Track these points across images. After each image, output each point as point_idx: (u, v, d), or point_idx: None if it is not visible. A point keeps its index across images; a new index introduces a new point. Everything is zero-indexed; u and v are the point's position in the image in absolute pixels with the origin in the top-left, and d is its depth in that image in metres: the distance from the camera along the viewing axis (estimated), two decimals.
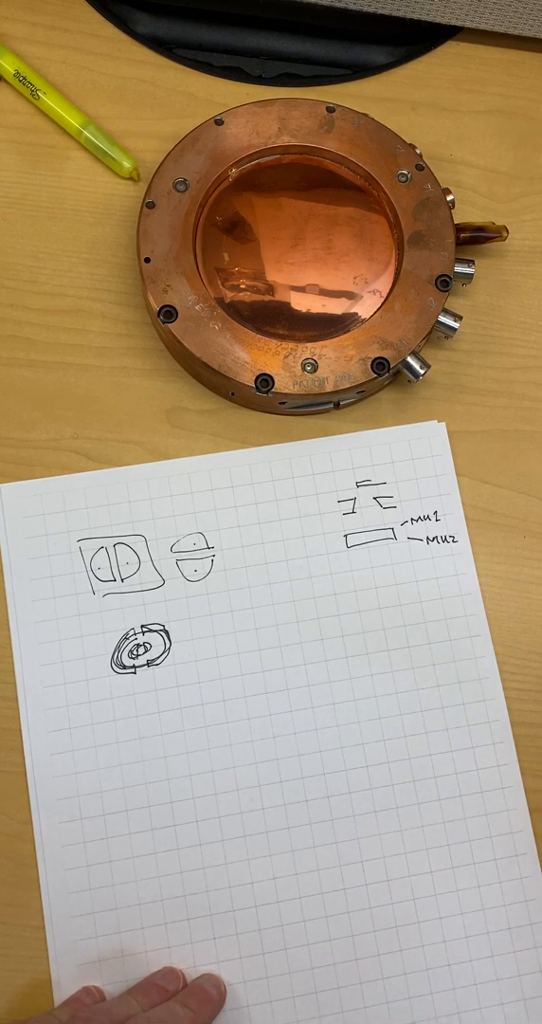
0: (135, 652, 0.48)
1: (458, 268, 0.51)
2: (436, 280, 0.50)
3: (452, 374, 0.53)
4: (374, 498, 0.50)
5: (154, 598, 0.48)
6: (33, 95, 0.54)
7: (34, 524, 0.49)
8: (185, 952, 0.45)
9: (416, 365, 0.49)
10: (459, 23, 0.55)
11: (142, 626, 0.48)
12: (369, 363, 0.49)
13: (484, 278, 0.54)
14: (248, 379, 0.48)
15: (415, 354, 0.49)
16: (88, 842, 0.45)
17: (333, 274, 0.51)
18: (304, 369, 0.48)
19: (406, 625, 0.49)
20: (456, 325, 0.50)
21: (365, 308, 0.50)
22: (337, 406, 0.51)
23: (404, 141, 0.52)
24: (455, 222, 0.52)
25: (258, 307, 0.50)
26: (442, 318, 0.50)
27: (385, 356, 0.49)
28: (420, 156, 0.52)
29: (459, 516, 0.50)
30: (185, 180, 0.51)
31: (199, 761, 0.47)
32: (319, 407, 0.51)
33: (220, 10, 0.57)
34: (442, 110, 0.57)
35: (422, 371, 0.49)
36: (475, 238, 0.52)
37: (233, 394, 0.51)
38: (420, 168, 0.52)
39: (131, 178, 0.54)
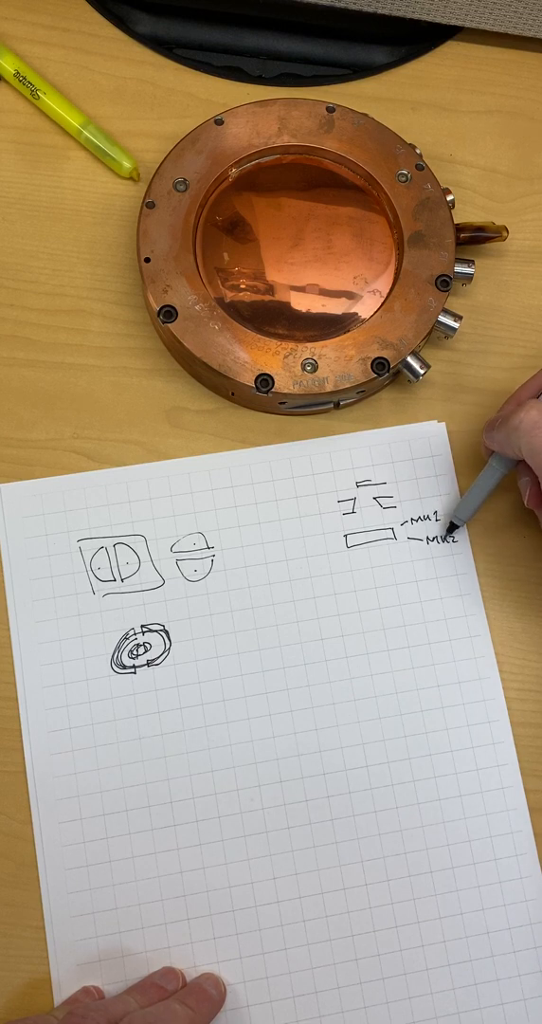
0: (135, 652, 0.48)
1: (458, 268, 0.51)
2: (436, 280, 0.50)
3: (452, 374, 0.53)
4: (374, 498, 0.50)
5: (154, 598, 0.48)
6: (33, 95, 0.54)
7: (34, 524, 0.49)
8: (185, 952, 0.45)
9: (416, 365, 0.49)
10: (459, 23, 0.55)
11: (142, 626, 0.48)
12: (369, 363, 0.49)
13: (484, 278, 0.54)
14: (248, 379, 0.48)
15: (415, 354, 0.49)
16: (88, 842, 0.45)
17: (333, 274, 0.51)
18: (304, 369, 0.48)
19: (406, 625, 0.49)
20: (456, 325, 0.50)
21: (365, 308, 0.50)
22: (337, 406, 0.51)
23: (404, 141, 0.52)
24: (455, 222, 0.52)
25: (258, 307, 0.50)
26: (442, 318, 0.50)
27: (385, 356, 0.49)
28: (420, 156, 0.52)
29: None
30: (185, 180, 0.51)
31: (199, 761, 0.47)
32: (319, 407, 0.51)
33: (220, 10, 0.57)
34: (442, 110, 0.57)
35: (422, 371, 0.49)
36: (475, 238, 0.52)
37: (233, 394, 0.51)
38: (420, 168, 0.52)
39: (131, 178, 0.54)
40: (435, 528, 0.50)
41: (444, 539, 0.50)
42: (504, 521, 0.51)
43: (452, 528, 0.49)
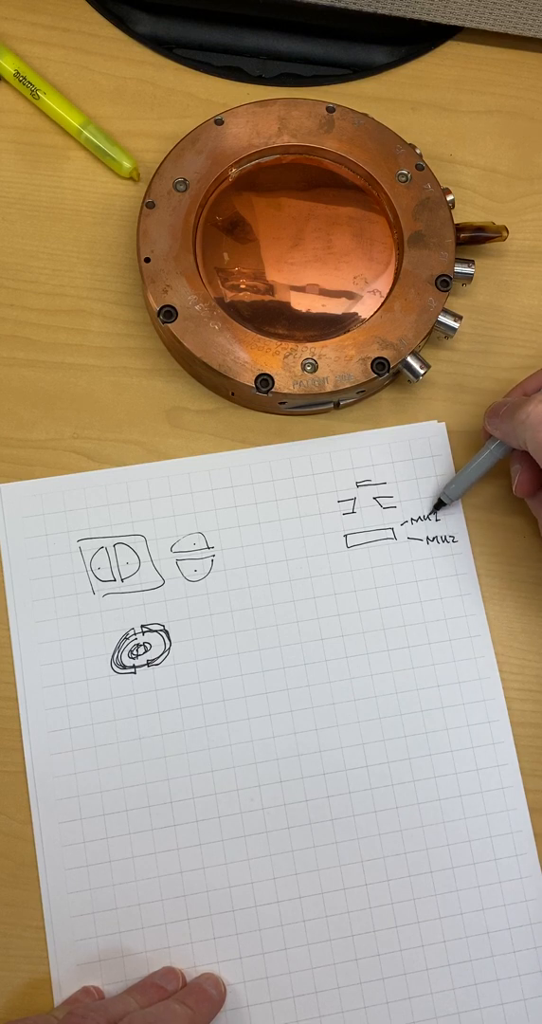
0: (135, 652, 0.48)
1: (458, 268, 0.51)
2: (436, 280, 0.50)
3: (452, 374, 0.53)
4: (374, 498, 0.50)
5: (154, 598, 0.48)
6: (33, 95, 0.54)
7: (34, 524, 0.49)
8: (185, 952, 0.45)
9: (416, 365, 0.49)
10: (459, 23, 0.55)
11: (142, 626, 0.48)
12: (369, 363, 0.49)
13: (484, 278, 0.54)
14: (248, 379, 0.48)
15: (415, 354, 0.49)
16: (88, 842, 0.45)
17: (333, 274, 0.51)
18: (304, 369, 0.48)
19: (406, 625, 0.49)
20: (456, 325, 0.50)
21: (365, 308, 0.50)
22: (337, 406, 0.51)
23: (404, 141, 0.52)
24: (455, 222, 0.52)
25: (258, 307, 0.50)
26: (442, 318, 0.50)
27: (385, 356, 0.49)
28: (420, 156, 0.52)
29: (459, 516, 0.50)
30: (185, 180, 0.51)
31: (199, 761, 0.47)
32: (319, 407, 0.51)
33: (220, 10, 0.57)
34: (442, 110, 0.57)
35: (422, 371, 0.49)
36: (475, 238, 0.52)
37: (233, 394, 0.51)
38: (420, 168, 0.52)
39: (131, 178, 0.54)
40: (435, 528, 0.50)
41: (428, 517, 0.50)
42: (504, 521, 0.51)
43: (439, 506, 0.49)
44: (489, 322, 0.54)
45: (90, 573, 0.48)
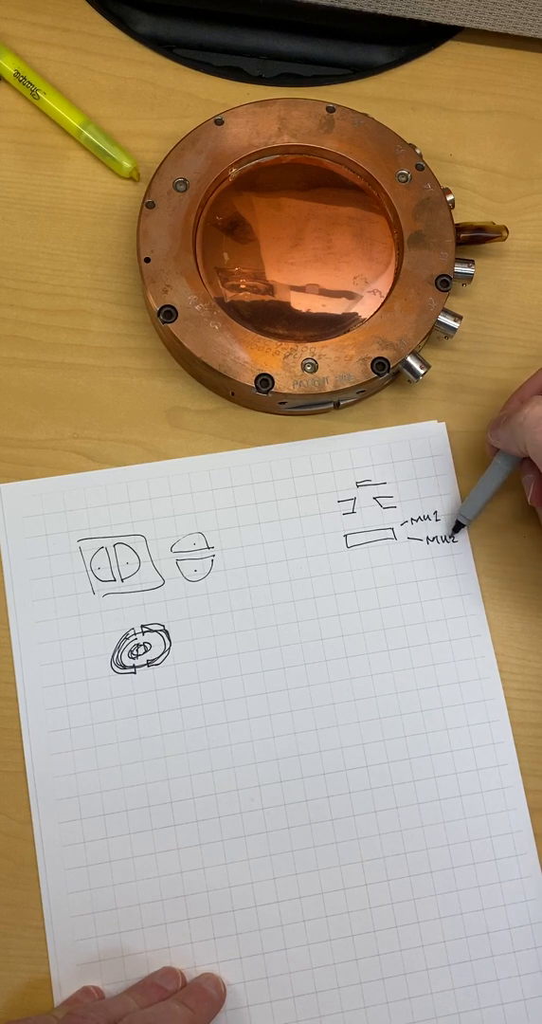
0: (135, 652, 0.48)
1: (458, 268, 0.51)
2: (436, 280, 0.50)
3: (452, 374, 0.53)
4: (374, 498, 0.50)
5: (154, 598, 0.48)
6: (33, 95, 0.54)
7: (34, 524, 0.49)
8: (185, 952, 0.45)
9: (416, 365, 0.49)
10: (459, 23, 0.55)
11: (142, 626, 0.48)
12: (369, 363, 0.49)
13: (484, 278, 0.54)
14: (248, 379, 0.48)
15: (415, 354, 0.49)
16: (88, 842, 0.45)
17: (333, 274, 0.51)
18: (304, 369, 0.48)
19: (406, 625, 0.49)
20: (456, 325, 0.50)
21: (365, 308, 0.50)
22: (337, 406, 0.51)
23: (404, 141, 0.52)
24: (455, 222, 0.52)
25: (258, 307, 0.50)
26: (442, 318, 0.50)
27: (385, 356, 0.49)
28: (420, 156, 0.52)
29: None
30: (185, 180, 0.51)
31: (199, 761, 0.47)
32: (319, 407, 0.51)
33: (220, 10, 0.57)
34: (442, 110, 0.57)
35: (422, 371, 0.49)
36: (475, 238, 0.52)
37: (233, 394, 0.51)
38: (420, 168, 0.52)
39: (131, 178, 0.54)
40: (435, 528, 0.50)
41: (449, 538, 0.50)
42: (504, 521, 0.51)
43: (458, 527, 0.49)
44: (489, 322, 0.54)
45: (90, 573, 0.48)
